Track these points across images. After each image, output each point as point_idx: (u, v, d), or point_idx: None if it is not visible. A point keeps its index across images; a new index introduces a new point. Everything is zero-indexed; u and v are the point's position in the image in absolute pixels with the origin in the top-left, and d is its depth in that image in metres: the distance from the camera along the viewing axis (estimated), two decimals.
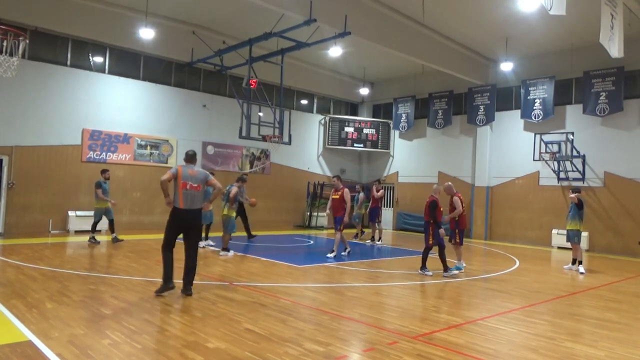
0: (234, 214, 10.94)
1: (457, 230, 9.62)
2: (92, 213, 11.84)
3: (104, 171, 11.73)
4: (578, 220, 10.36)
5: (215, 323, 5.26)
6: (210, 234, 12.07)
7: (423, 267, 9.05)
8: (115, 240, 11.55)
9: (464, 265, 9.84)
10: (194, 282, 6.54)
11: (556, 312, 6.59)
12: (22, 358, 4.02)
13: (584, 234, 14.64)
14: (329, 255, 10.64)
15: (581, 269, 10.28)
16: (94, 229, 11.57)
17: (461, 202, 9.68)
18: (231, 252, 10.60)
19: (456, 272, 9.06)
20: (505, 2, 12.58)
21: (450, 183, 10.20)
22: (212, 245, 11.63)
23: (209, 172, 6.92)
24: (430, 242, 8.94)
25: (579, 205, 10.35)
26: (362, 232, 15.63)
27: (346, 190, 10.75)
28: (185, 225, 6.48)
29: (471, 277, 8.97)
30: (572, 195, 10.48)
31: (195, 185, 6.46)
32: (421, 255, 9.19)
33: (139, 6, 13.82)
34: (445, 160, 19.08)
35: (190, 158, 6.79)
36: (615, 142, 14.78)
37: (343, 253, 11.08)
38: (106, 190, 11.47)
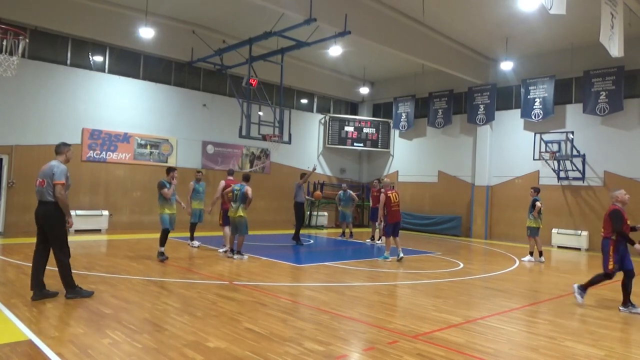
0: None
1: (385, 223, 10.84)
2: (91, 213, 11.52)
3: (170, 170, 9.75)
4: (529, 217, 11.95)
5: (216, 322, 5.26)
6: (210, 234, 12.00)
7: (582, 290, 7.00)
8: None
9: (389, 257, 10.81)
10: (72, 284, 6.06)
11: (556, 311, 6.59)
12: (22, 357, 4.03)
13: (584, 233, 14.94)
14: (220, 250, 10.74)
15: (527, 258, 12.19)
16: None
17: (387, 198, 10.61)
18: (246, 256, 10.08)
19: (634, 310, 6.66)
20: (506, 2, 12.56)
21: (387, 179, 11.08)
22: (196, 246, 11.36)
23: (202, 170, 6.57)
24: (611, 268, 6.67)
25: (531, 204, 11.83)
26: (351, 235, 15.18)
27: (221, 182, 10.91)
28: (38, 224, 6.01)
29: (471, 277, 8.98)
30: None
31: (40, 180, 5.93)
32: (590, 280, 6.99)
33: (139, 6, 13.81)
34: (445, 160, 19.07)
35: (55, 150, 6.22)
36: (615, 142, 14.78)
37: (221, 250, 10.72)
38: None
